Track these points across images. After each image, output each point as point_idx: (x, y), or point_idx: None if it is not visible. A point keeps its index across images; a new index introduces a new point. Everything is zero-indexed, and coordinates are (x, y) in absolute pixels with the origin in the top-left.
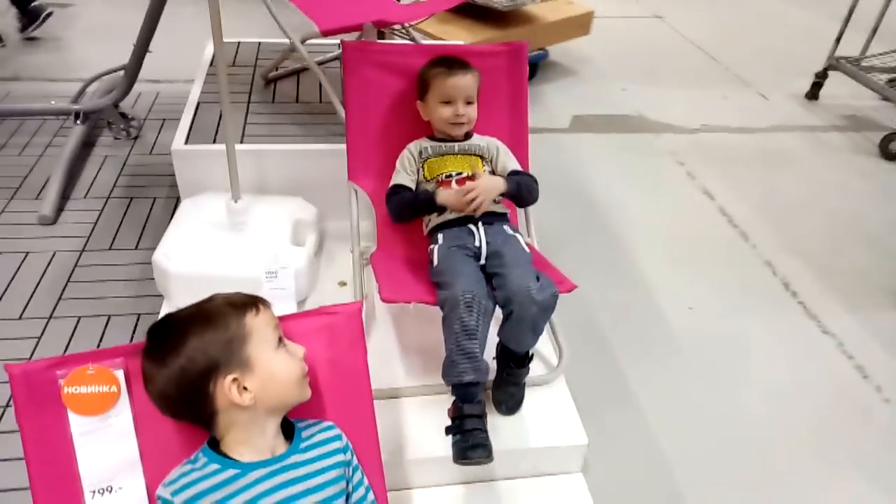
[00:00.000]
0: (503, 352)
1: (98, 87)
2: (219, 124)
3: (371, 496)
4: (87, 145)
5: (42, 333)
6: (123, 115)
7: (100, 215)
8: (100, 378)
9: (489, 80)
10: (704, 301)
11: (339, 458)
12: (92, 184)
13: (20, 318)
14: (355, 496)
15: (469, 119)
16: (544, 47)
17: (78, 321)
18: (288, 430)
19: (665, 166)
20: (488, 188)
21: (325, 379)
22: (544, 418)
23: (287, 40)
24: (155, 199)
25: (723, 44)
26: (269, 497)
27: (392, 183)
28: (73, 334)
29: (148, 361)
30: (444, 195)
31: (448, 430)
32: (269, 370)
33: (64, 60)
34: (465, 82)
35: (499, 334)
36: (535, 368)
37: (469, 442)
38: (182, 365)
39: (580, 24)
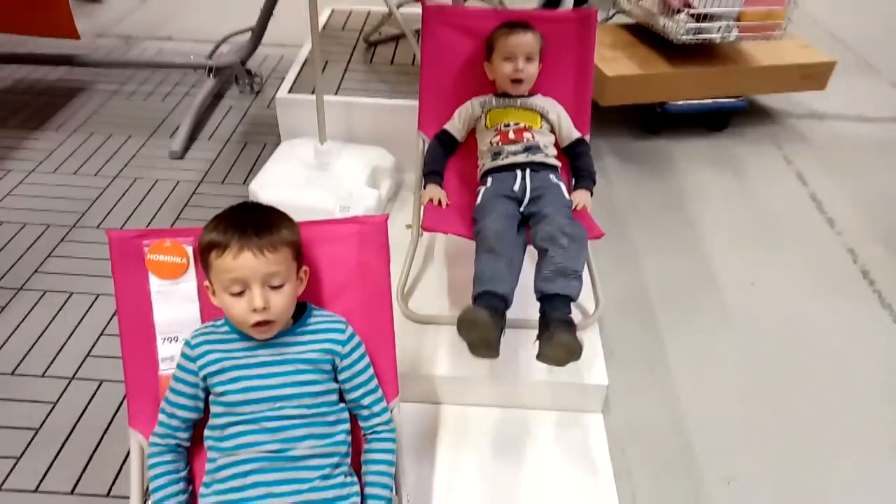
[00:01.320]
0: (546, 306)
1: (231, 48)
2: None
3: (373, 384)
4: (216, 96)
5: None
6: (249, 72)
7: (218, 155)
8: (174, 250)
9: (556, 44)
10: (768, 279)
11: (328, 346)
12: (216, 129)
13: (145, 228)
14: (354, 382)
15: (528, 75)
16: (747, 95)
17: None
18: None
19: (761, 148)
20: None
21: (352, 278)
22: None
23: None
24: (265, 144)
25: (856, 26)
26: (252, 359)
27: (443, 127)
28: None
29: None
30: (427, 191)
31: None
32: (220, 300)
33: (210, 23)
34: (525, 40)
35: (536, 282)
36: (574, 317)
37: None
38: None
39: (808, 75)
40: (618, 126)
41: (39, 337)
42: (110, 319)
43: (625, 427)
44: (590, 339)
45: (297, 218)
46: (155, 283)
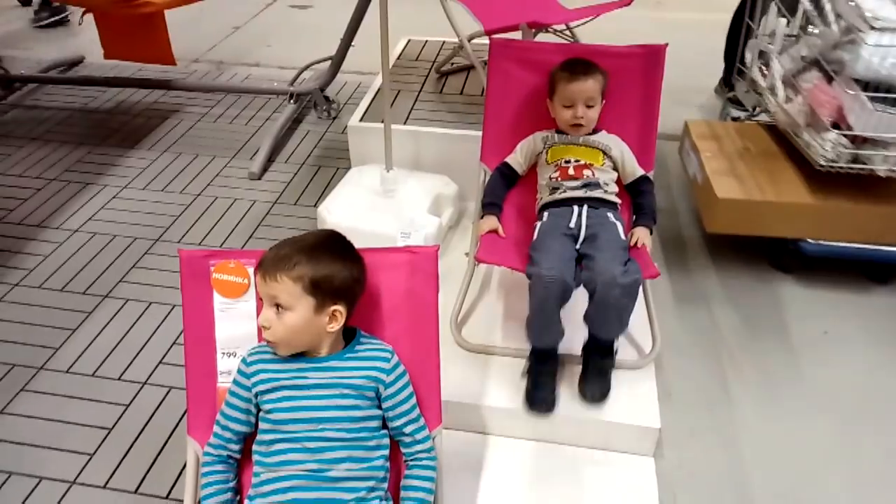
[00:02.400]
0: (589, 341)
1: (312, 74)
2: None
3: (416, 413)
4: (296, 121)
5: None
6: (327, 99)
7: (293, 177)
8: (237, 271)
9: (622, 79)
10: (843, 330)
11: (373, 374)
12: (293, 152)
13: (220, 246)
14: (397, 410)
15: (588, 121)
16: None
17: None
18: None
19: None
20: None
21: (401, 305)
22: (624, 397)
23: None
24: (337, 168)
25: None
26: (300, 380)
27: (504, 160)
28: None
29: None
30: (484, 221)
31: (523, 374)
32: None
33: (295, 51)
34: (585, 87)
35: (585, 319)
36: (629, 354)
37: (536, 394)
38: None
39: None
40: (731, 252)
41: (119, 342)
42: (182, 330)
43: (677, 472)
44: (645, 378)
45: (360, 243)
46: (218, 300)
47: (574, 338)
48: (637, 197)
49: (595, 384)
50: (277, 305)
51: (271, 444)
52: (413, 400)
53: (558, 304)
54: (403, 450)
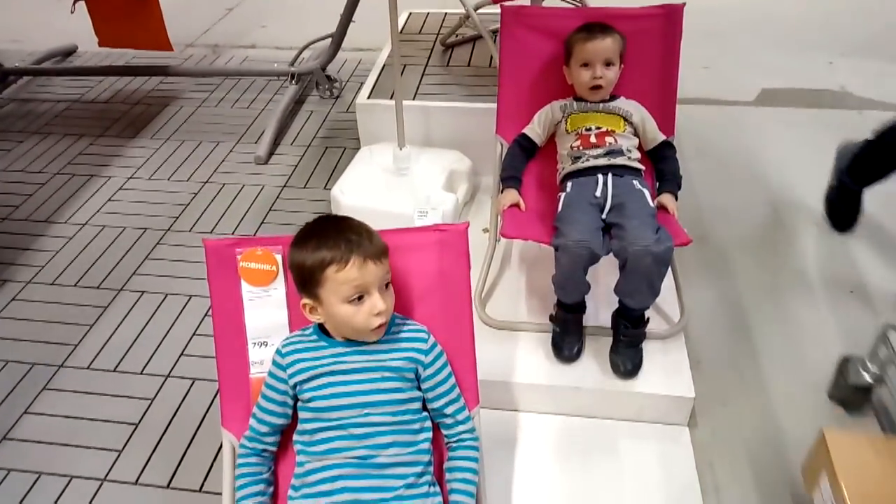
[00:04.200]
0: (620, 311)
1: (312, 53)
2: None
3: (455, 393)
4: (298, 102)
5: None
6: (329, 78)
7: (300, 159)
8: (265, 258)
9: (640, 42)
10: (871, 288)
11: (412, 354)
12: (298, 134)
13: (233, 233)
14: (437, 391)
15: (607, 81)
16: None
17: None
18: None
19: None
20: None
21: (433, 285)
22: (656, 368)
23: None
24: (345, 148)
25: None
26: (341, 365)
27: (522, 131)
28: None
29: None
30: (504, 195)
31: (551, 319)
32: (332, 313)
33: (292, 30)
34: (603, 45)
35: (616, 290)
36: (657, 324)
37: (563, 340)
38: (289, 261)
39: None
40: (750, 209)
41: (138, 336)
42: (202, 320)
43: (713, 441)
44: (675, 348)
45: (377, 223)
46: (247, 289)
47: (601, 310)
48: (659, 163)
49: (627, 356)
50: (388, 282)
51: (315, 434)
52: (452, 380)
53: (585, 270)
54: (445, 432)
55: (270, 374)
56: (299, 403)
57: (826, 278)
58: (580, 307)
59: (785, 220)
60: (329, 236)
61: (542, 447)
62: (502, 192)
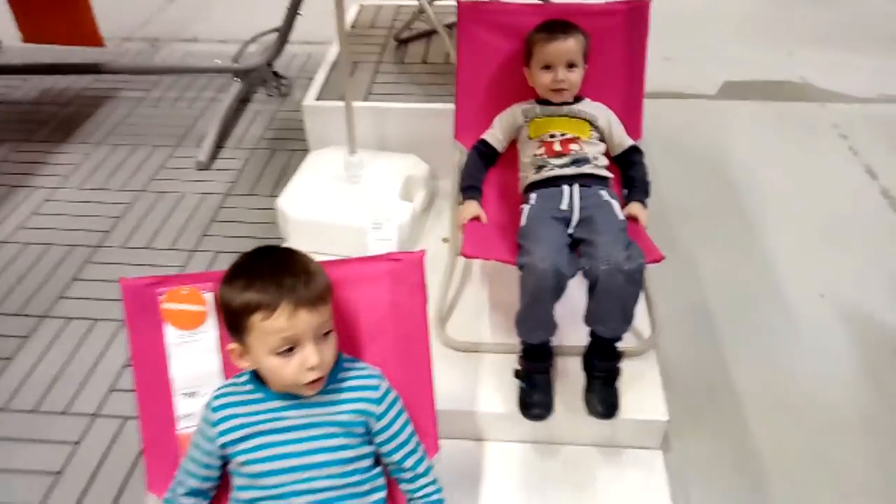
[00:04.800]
0: (592, 345)
1: (258, 48)
2: None
3: (413, 442)
4: (243, 101)
5: (186, 263)
6: (276, 74)
7: (246, 164)
8: (191, 298)
9: (605, 40)
10: (839, 290)
11: (361, 406)
12: (243, 136)
13: (171, 248)
14: (392, 444)
15: (570, 84)
16: None
17: (215, 256)
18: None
19: (824, 140)
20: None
21: (386, 320)
22: (628, 389)
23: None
24: (293, 151)
25: None
26: (279, 422)
27: (481, 136)
28: (209, 266)
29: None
30: (464, 208)
31: (516, 375)
32: (259, 364)
33: (237, 22)
34: (565, 47)
35: (586, 319)
36: (627, 340)
37: (531, 397)
38: (219, 298)
39: None
40: (717, 217)
41: (63, 369)
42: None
43: (687, 465)
44: (647, 367)
45: (327, 237)
46: (172, 334)
47: (566, 331)
48: (628, 170)
49: (603, 395)
50: (327, 330)
51: None
52: (409, 428)
53: (553, 298)
54: (405, 487)
55: (198, 430)
56: (231, 467)
57: (796, 282)
58: (546, 354)
59: (753, 220)
60: (259, 276)
61: (508, 478)
62: (462, 203)
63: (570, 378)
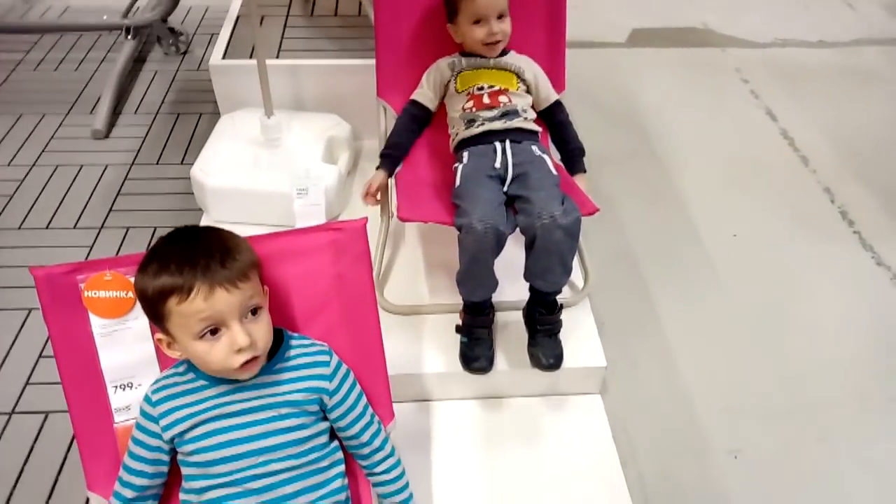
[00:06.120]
0: (532, 300)
1: (148, 2)
2: None
3: (368, 415)
4: (138, 61)
5: (94, 242)
6: (172, 30)
7: (148, 130)
8: (116, 284)
9: None
10: (750, 229)
11: (313, 384)
12: (142, 100)
13: (74, 227)
14: (347, 418)
15: (504, 35)
16: None
17: (126, 231)
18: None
19: (727, 84)
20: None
21: (331, 292)
22: (565, 339)
23: None
24: (201, 114)
25: None
26: (227, 407)
27: (411, 97)
28: (121, 244)
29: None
30: (373, 177)
31: (457, 330)
32: (187, 351)
33: None
34: None
35: (525, 275)
36: (563, 291)
37: (473, 351)
38: (135, 287)
39: None
40: (632, 165)
41: None
42: (48, 339)
43: (625, 406)
44: (582, 315)
45: (250, 205)
46: (97, 323)
47: (505, 286)
48: (558, 131)
49: (547, 348)
50: (255, 309)
51: (203, 493)
52: (363, 400)
53: (492, 256)
54: (362, 462)
55: (138, 425)
56: (179, 457)
57: (711, 222)
58: (487, 308)
59: (666, 164)
60: (172, 259)
61: (458, 436)
62: (379, 168)
63: (510, 333)
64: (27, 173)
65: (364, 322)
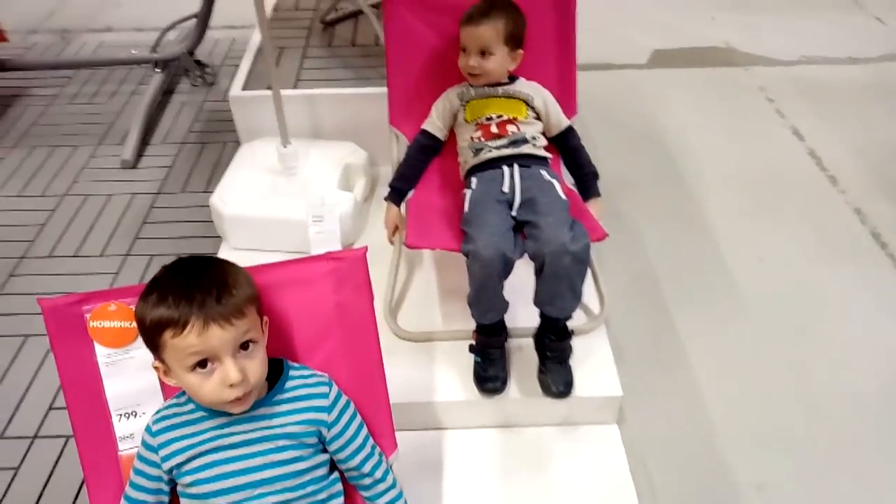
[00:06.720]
0: (542, 326)
1: (178, 35)
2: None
3: (369, 446)
4: (167, 92)
5: (119, 270)
6: (198, 63)
7: (175, 160)
8: (120, 314)
9: (534, 17)
10: (777, 252)
11: (311, 416)
12: (169, 130)
13: (101, 255)
14: (347, 450)
15: (483, 71)
16: None
17: (150, 260)
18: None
19: (751, 104)
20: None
21: (331, 322)
22: (580, 367)
23: None
24: (225, 143)
25: None
26: (225, 439)
27: (421, 126)
28: (144, 271)
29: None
30: (387, 215)
31: (471, 349)
32: (181, 380)
33: (152, 8)
34: (476, 32)
35: (535, 301)
36: (576, 318)
37: (487, 371)
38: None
39: None
40: (657, 188)
41: None
42: None
43: (643, 437)
44: (598, 343)
45: (267, 233)
46: (102, 352)
47: (517, 312)
48: (570, 156)
49: (558, 375)
50: (247, 343)
51: None
52: (364, 431)
53: (500, 280)
54: (364, 493)
55: (139, 456)
56: (179, 488)
57: (736, 246)
58: (500, 329)
59: (690, 187)
60: (170, 291)
61: (470, 465)
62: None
63: (524, 360)
64: (59, 203)
65: (365, 351)
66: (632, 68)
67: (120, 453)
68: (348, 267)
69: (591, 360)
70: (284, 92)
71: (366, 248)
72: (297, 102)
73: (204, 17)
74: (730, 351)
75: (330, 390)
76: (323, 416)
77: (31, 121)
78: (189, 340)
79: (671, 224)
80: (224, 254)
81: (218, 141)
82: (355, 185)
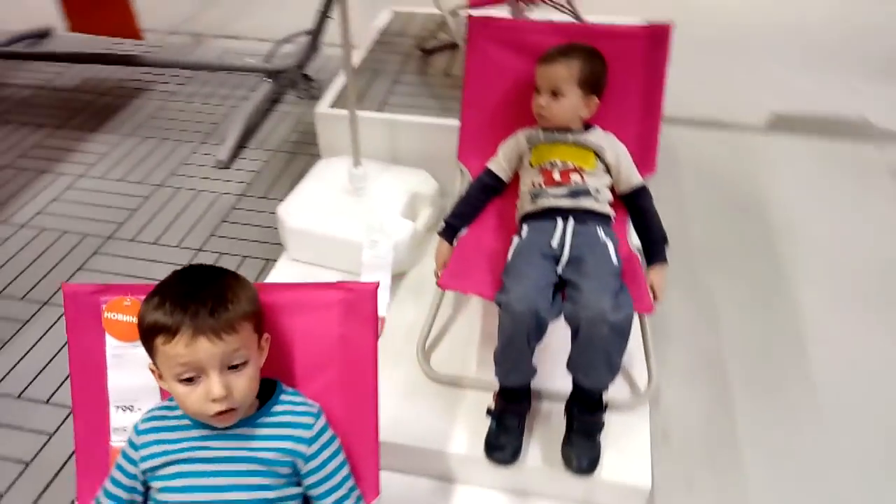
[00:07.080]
0: (574, 393)
1: (294, 49)
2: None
3: (346, 488)
4: (273, 101)
5: (189, 262)
6: (306, 77)
7: (264, 166)
8: (133, 310)
9: (621, 65)
10: (874, 357)
11: (289, 445)
12: (267, 137)
13: (177, 245)
14: (322, 487)
15: (550, 113)
16: None
17: (219, 257)
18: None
19: (877, 185)
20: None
21: (333, 353)
22: (612, 447)
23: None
24: (313, 156)
25: None
26: (201, 451)
27: (486, 164)
28: None
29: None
30: (439, 248)
31: (488, 412)
32: (169, 387)
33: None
34: (550, 72)
35: (568, 365)
36: (620, 391)
37: (498, 439)
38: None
39: None
40: (739, 256)
41: (52, 358)
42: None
43: None
44: (637, 423)
45: (323, 250)
46: (112, 344)
47: (553, 372)
48: (639, 217)
49: (582, 450)
50: (237, 360)
51: None
52: (344, 471)
53: (530, 341)
54: None
55: (123, 452)
56: (151, 492)
57: (825, 342)
58: (522, 397)
59: (785, 268)
60: (171, 297)
61: None
62: (440, 234)
63: (552, 425)
64: (153, 192)
65: (362, 388)
66: (746, 130)
67: (111, 444)
68: (358, 299)
69: (626, 441)
70: (368, 114)
71: (377, 283)
72: (378, 125)
73: (315, 35)
74: (796, 462)
75: (315, 422)
76: (302, 447)
77: (150, 113)
78: (177, 349)
79: (755, 305)
80: (282, 264)
81: (307, 153)
82: (420, 213)
